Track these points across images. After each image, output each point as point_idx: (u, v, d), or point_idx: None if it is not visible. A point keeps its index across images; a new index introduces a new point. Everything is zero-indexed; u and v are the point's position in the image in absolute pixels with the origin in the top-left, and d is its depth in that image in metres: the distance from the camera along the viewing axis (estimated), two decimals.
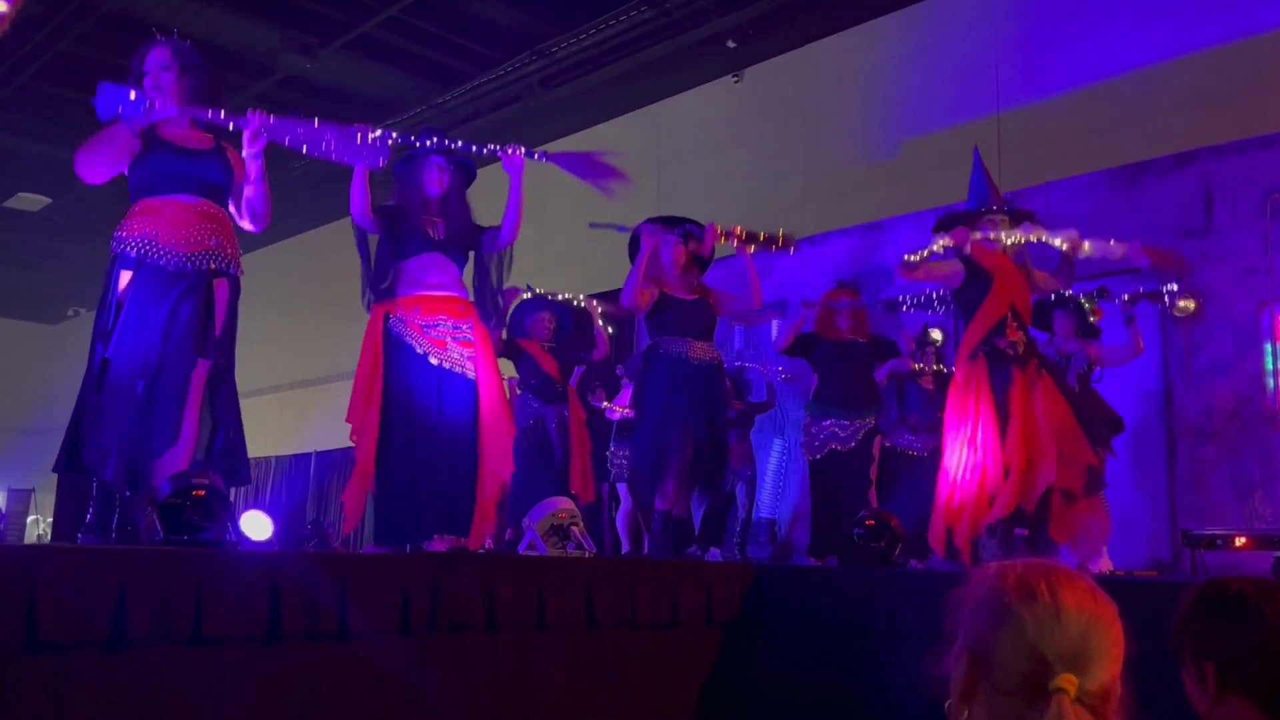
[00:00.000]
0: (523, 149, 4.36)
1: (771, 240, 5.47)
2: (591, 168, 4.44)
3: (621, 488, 6.80)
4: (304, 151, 3.94)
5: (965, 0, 8.11)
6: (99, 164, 3.72)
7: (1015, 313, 4.76)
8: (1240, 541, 4.16)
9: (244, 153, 3.79)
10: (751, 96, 9.49)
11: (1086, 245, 4.79)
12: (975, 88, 7.90)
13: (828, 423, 6.00)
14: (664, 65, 9.42)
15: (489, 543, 4.48)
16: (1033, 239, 4.84)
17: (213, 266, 3.65)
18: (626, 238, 5.66)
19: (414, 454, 4.11)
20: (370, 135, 3.97)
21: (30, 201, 12.98)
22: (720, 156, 9.64)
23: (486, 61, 9.77)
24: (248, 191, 3.85)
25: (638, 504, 6.24)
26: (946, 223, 5.10)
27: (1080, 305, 5.71)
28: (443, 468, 4.11)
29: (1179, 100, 6.88)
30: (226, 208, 3.82)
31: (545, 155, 4.46)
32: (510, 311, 6.18)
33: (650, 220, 5.54)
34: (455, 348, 4.20)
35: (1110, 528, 4.96)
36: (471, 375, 4.19)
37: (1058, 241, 4.79)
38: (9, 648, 2.39)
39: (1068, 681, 1.20)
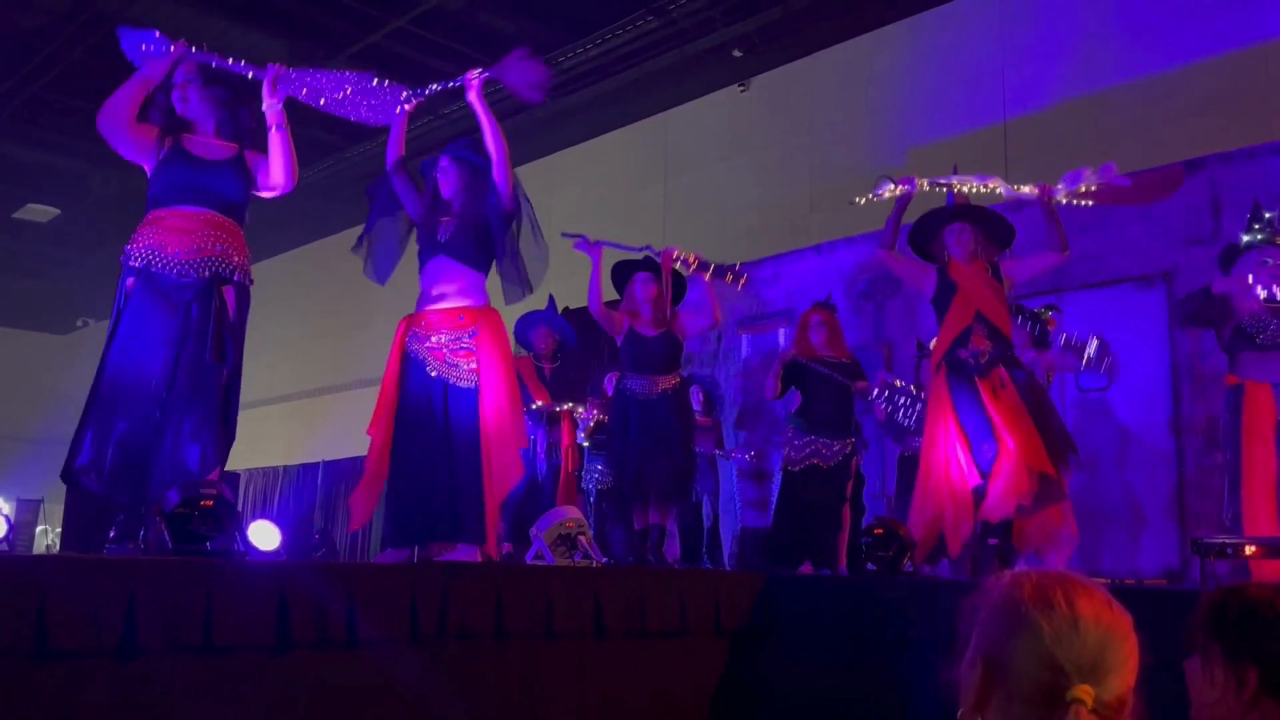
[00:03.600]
0: (477, 70, 4.28)
1: (723, 271, 5.70)
2: (521, 71, 4.33)
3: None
4: (320, 105, 3.91)
5: (972, 8, 8.12)
6: (113, 112, 3.70)
7: (985, 321, 4.80)
8: (1251, 549, 4.14)
9: (264, 105, 3.79)
10: (758, 105, 9.51)
11: (1061, 190, 4.92)
12: (982, 95, 7.90)
13: (810, 438, 6.11)
14: (670, 75, 9.44)
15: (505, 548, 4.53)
16: (989, 188, 4.90)
17: (217, 273, 3.65)
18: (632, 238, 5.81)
19: (419, 463, 4.16)
20: (385, 84, 3.96)
21: (40, 212, 13.03)
22: (726, 165, 9.65)
23: None
24: (270, 141, 3.82)
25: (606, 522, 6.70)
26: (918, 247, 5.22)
27: (1032, 314, 5.80)
28: (447, 477, 4.15)
29: (1187, 107, 6.87)
30: (240, 220, 3.82)
31: (486, 71, 4.31)
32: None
33: (619, 263, 5.77)
34: (456, 359, 4.21)
35: (1076, 538, 4.98)
36: (472, 385, 4.19)
37: (1025, 190, 4.91)
38: (20, 656, 2.40)
39: (1084, 692, 1.20)
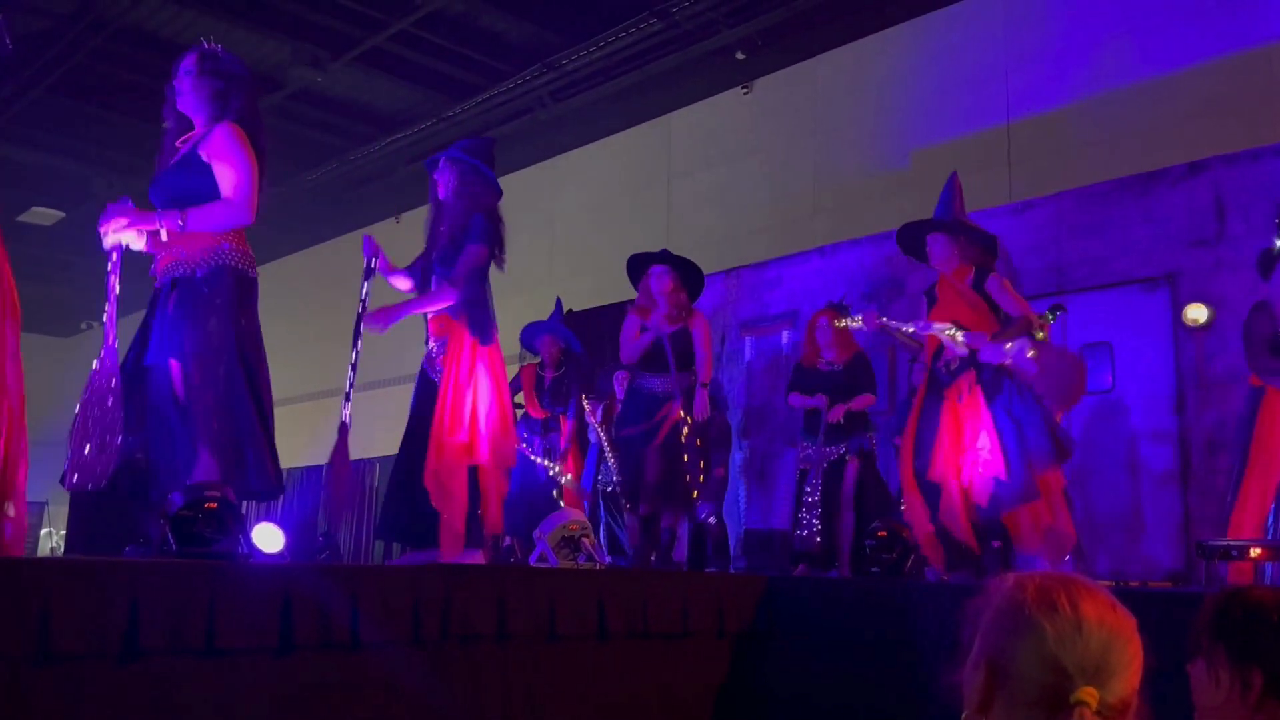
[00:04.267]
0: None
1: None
2: None
3: None
4: None
5: (975, 10, 8.12)
6: None
7: (961, 329, 4.94)
8: (1255, 552, 4.12)
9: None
10: (761, 107, 9.50)
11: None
12: (986, 97, 7.89)
13: (805, 443, 6.33)
14: (673, 77, 9.45)
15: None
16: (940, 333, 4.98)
17: (177, 276, 3.61)
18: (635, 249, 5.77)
19: (399, 465, 4.33)
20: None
21: (44, 215, 13.06)
22: (730, 168, 9.65)
23: (497, 74, 9.81)
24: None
25: (613, 521, 6.75)
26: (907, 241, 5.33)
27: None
28: (411, 479, 4.23)
29: (1190, 109, 6.86)
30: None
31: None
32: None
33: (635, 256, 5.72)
34: (435, 362, 4.37)
35: (1073, 538, 5.02)
36: (437, 381, 4.32)
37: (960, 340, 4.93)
38: (22, 658, 2.40)
39: (1089, 694, 1.19)
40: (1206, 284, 6.13)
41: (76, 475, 3.32)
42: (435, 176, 4.56)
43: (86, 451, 3.31)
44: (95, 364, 3.51)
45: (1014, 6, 7.93)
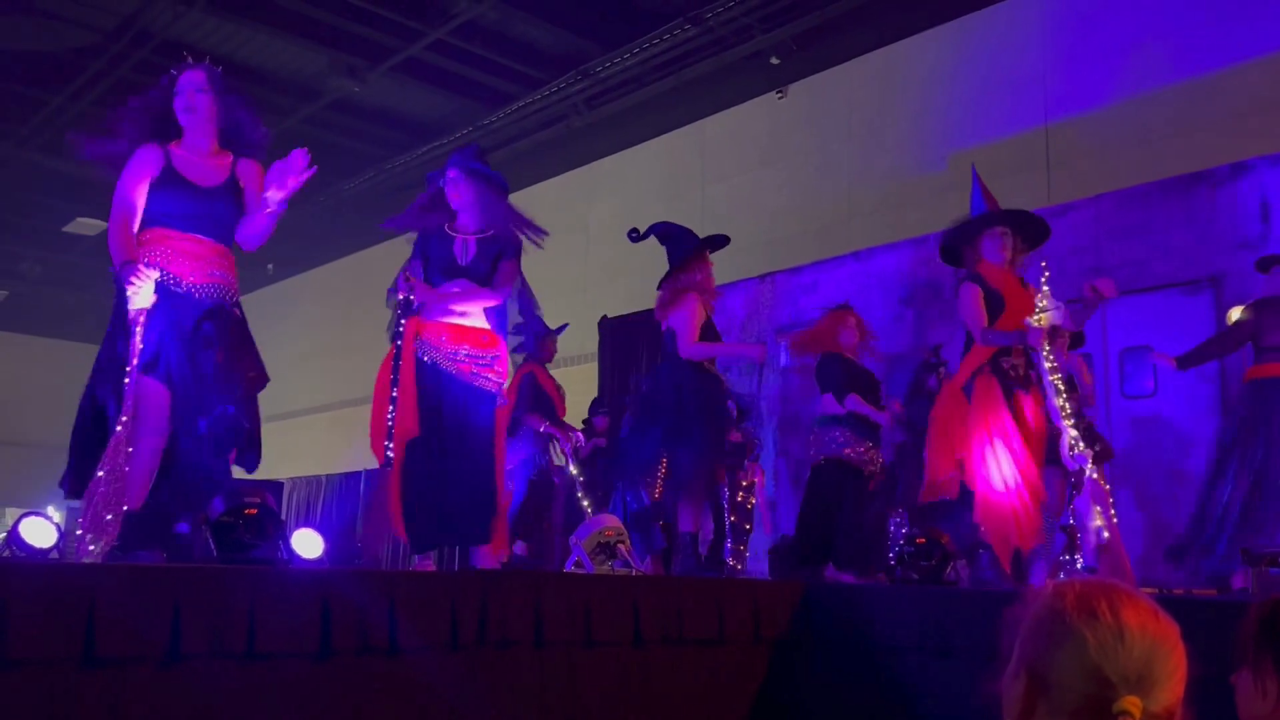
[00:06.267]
0: None
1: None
2: None
3: None
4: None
5: (1012, 12, 8.06)
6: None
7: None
8: None
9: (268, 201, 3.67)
10: (796, 112, 9.48)
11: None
12: (1023, 99, 7.83)
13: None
14: (707, 83, 9.45)
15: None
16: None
17: (223, 301, 3.68)
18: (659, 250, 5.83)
19: (440, 467, 4.24)
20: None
21: (88, 226, 13.28)
22: (764, 172, 9.63)
23: (532, 82, 9.86)
24: (263, 220, 3.76)
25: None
26: (949, 250, 5.16)
27: None
28: (466, 480, 4.22)
29: (1233, 109, 6.76)
30: (232, 243, 3.81)
31: None
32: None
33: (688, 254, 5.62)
34: (478, 372, 4.32)
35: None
36: (494, 390, 4.33)
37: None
38: (67, 663, 2.44)
39: (1132, 704, 1.17)
40: (1251, 286, 6.03)
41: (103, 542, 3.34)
42: (445, 187, 4.47)
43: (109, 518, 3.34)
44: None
45: (1051, 8, 7.86)
